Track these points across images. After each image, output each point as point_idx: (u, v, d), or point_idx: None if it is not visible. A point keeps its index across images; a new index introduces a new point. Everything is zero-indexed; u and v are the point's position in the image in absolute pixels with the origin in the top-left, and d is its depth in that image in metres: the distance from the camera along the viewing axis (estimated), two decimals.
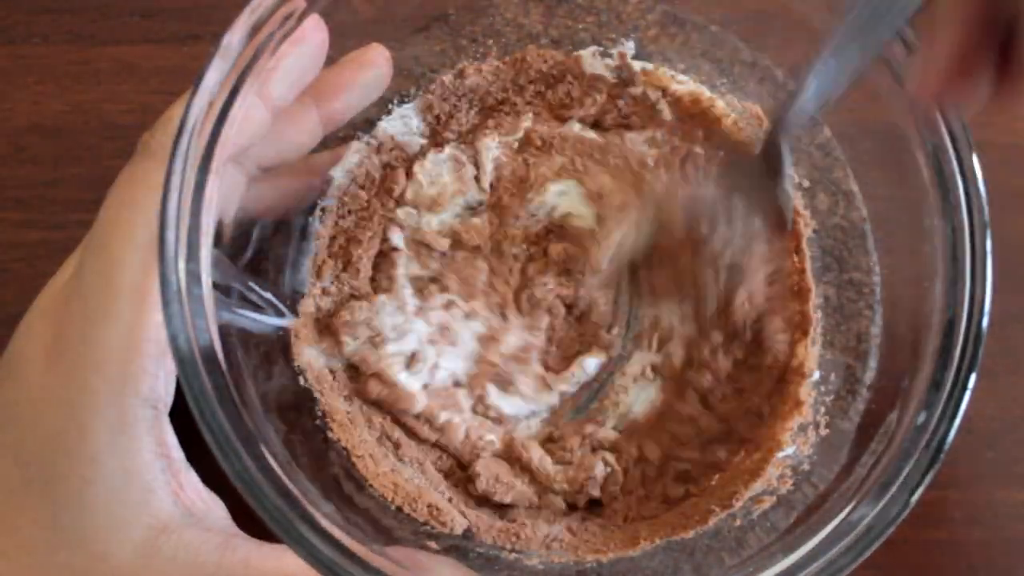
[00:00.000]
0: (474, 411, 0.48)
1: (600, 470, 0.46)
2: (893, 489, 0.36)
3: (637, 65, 0.49)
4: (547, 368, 0.48)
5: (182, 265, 0.34)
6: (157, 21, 0.53)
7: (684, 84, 0.49)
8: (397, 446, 0.46)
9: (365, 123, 0.47)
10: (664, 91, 0.49)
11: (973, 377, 0.36)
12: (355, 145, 0.47)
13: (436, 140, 0.49)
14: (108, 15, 0.53)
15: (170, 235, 0.34)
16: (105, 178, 0.44)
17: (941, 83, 0.34)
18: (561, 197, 0.49)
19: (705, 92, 0.49)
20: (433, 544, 0.42)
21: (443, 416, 0.47)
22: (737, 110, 0.48)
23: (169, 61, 0.53)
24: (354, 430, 0.45)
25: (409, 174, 0.48)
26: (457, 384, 0.48)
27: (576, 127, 0.49)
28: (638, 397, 0.48)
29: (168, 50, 0.53)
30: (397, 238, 0.48)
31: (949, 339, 0.37)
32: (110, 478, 0.38)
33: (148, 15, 0.53)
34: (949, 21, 0.33)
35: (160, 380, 0.39)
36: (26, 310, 0.42)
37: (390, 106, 0.48)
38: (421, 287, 0.48)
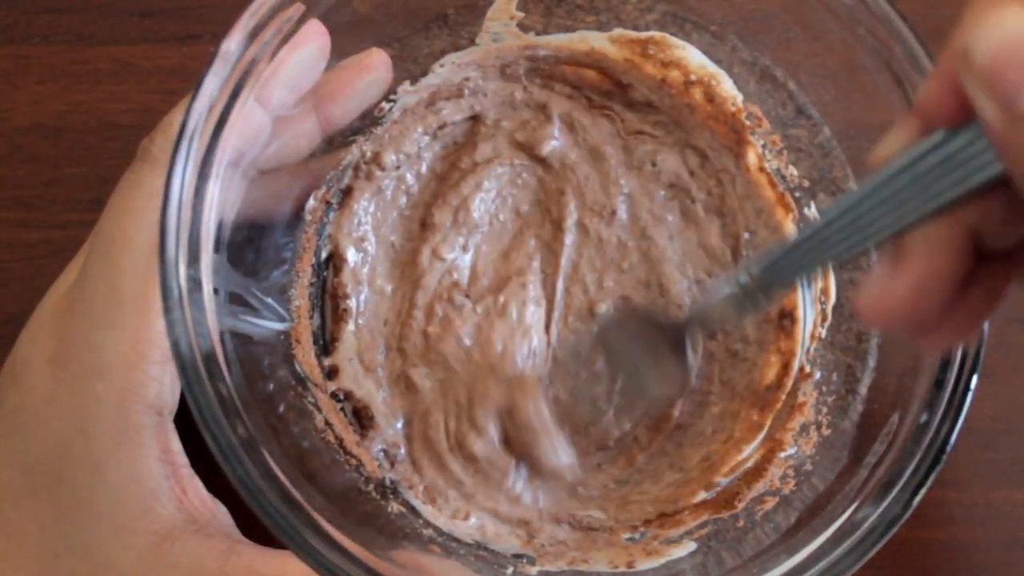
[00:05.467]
0: None
1: None
2: (896, 489, 0.36)
3: None
4: None
5: (183, 271, 0.34)
6: (157, 21, 0.53)
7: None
8: None
9: (364, 126, 0.47)
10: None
11: (975, 377, 0.36)
12: (354, 148, 0.47)
13: None
14: (108, 15, 0.53)
15: (171, 241, 0.34)
16: (105, 178, 0.44)
17: (896, 311, 0.29)
18: None
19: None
20: (437, 548, 0.42)
21: None
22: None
23: (169, 61, 0.52)
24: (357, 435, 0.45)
25: None
26: None
27: None
28: None
29: (168, 50, 0.52)
30: None
31: None
32: (114, 485, 0.38)
33: (148, 15, 0.53)
34: (925, 249, 0.28)
35: (165, 386, 0.39)
36: (26, 310, 0.42)
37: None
38: None
